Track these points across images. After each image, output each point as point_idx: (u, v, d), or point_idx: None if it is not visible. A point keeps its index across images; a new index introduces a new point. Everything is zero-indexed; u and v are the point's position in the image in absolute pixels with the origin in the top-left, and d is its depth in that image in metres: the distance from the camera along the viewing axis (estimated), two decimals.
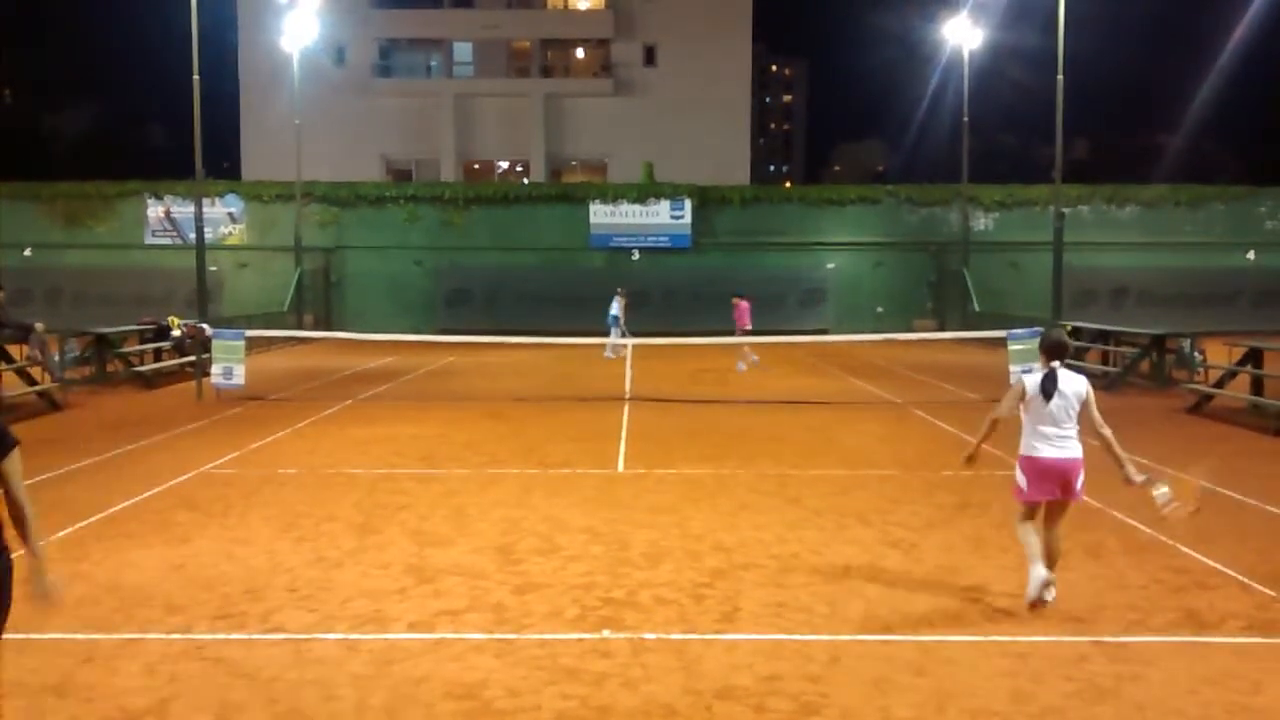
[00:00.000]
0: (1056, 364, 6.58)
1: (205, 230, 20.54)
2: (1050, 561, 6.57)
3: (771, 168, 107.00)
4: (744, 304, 21.93)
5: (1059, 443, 6.52)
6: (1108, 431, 6.46)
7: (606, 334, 24.01)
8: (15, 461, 3.68)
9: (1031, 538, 6.62)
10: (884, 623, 6.35)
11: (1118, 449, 6.49)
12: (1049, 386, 6.49)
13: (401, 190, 36.01)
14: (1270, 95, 64.04)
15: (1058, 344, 6.67)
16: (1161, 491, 6.56)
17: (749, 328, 21.78)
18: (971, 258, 32.96)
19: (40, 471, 10.87)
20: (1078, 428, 6.57)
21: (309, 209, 33.61)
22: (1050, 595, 6.52)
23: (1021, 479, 6.66)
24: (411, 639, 6.06)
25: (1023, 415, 6.65)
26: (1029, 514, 6.70)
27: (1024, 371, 7.26)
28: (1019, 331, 17.20)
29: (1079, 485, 6.61)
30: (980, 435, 6.96)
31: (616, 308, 24.98)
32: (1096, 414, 6.51)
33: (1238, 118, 65.70)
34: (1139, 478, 6.54)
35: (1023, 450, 6.66)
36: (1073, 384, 6.55)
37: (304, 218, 32.75)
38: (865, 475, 10.98)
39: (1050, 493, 6.58)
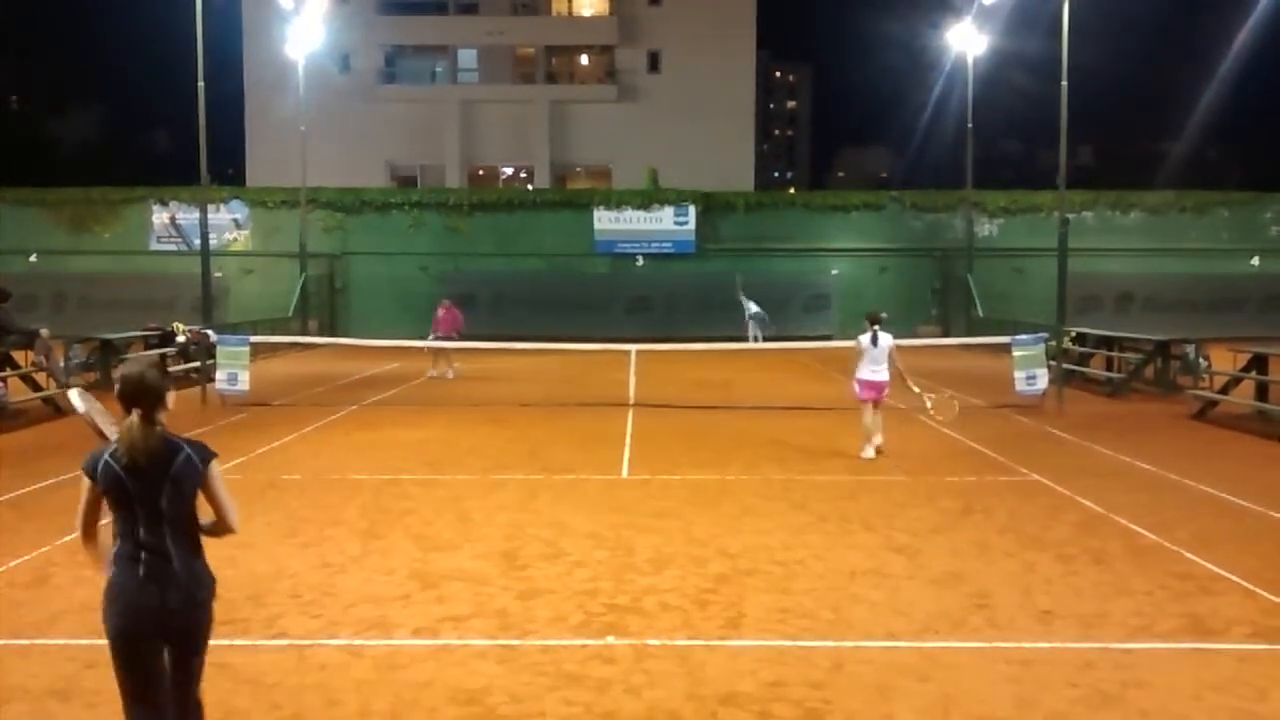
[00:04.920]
0: (876, 327, 12.11)
1: (210, 236, 20.54)
2: (875, 433, 12.30)
3: (776, 174, 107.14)
4: (447, 310, 21.44)
5: (877, 370, 12.17)
6: (900, 365, 12.21)
7: (615, 339, 23.99)
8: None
9: (868, 420, 12.29)
10: (888, 628, 6.34)
11: (904, 373, 12.19)
12: (875, 340, 12.13)
13: (406, 196, 36.04)
14: (1275, 100, 63.99)
15: (876, 317, 12.26)
16: (930, 398, 12.61)
17: (441, 334, 21.14)
18: (976, 263, 32.92)
19: (45, 476, 10.90)
20: (888, 364, 12.14)
21: (314, 215, 33.62)
22: (871, 454, 12.19)
23: (856, 388, 12.29)
24: (415, 644, 6.06)
25: (860, 357, 12.21)
26: (865, 408, 12.29)
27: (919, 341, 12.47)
28: (1023, 337, 17.16)
29: (885, 393, 12.36)
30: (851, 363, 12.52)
31: (755, 305, 28.36)
32: (896, 356, 12.19)
33: (1243, 123, 65.77)
34: (916, 389, 12.33)
35: (858, 375, 12.24)
36: (884, 339, 12.13)
37: (309, 224, 32.77)
38: (869, 480, 10.97)
39: (872, 396, 12.24)
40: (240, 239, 34.96)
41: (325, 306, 33.52)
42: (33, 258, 34.25)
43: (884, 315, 12.36)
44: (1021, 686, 5.43)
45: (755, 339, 27.65)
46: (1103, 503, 9.79)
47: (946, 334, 32.06)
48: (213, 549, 8.07)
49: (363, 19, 46.22)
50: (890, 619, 6.51)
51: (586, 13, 49.74)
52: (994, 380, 18.97)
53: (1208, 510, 9.63)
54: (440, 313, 21.52)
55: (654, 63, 47.90)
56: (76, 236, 34.97)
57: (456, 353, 21.78)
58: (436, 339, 21.23)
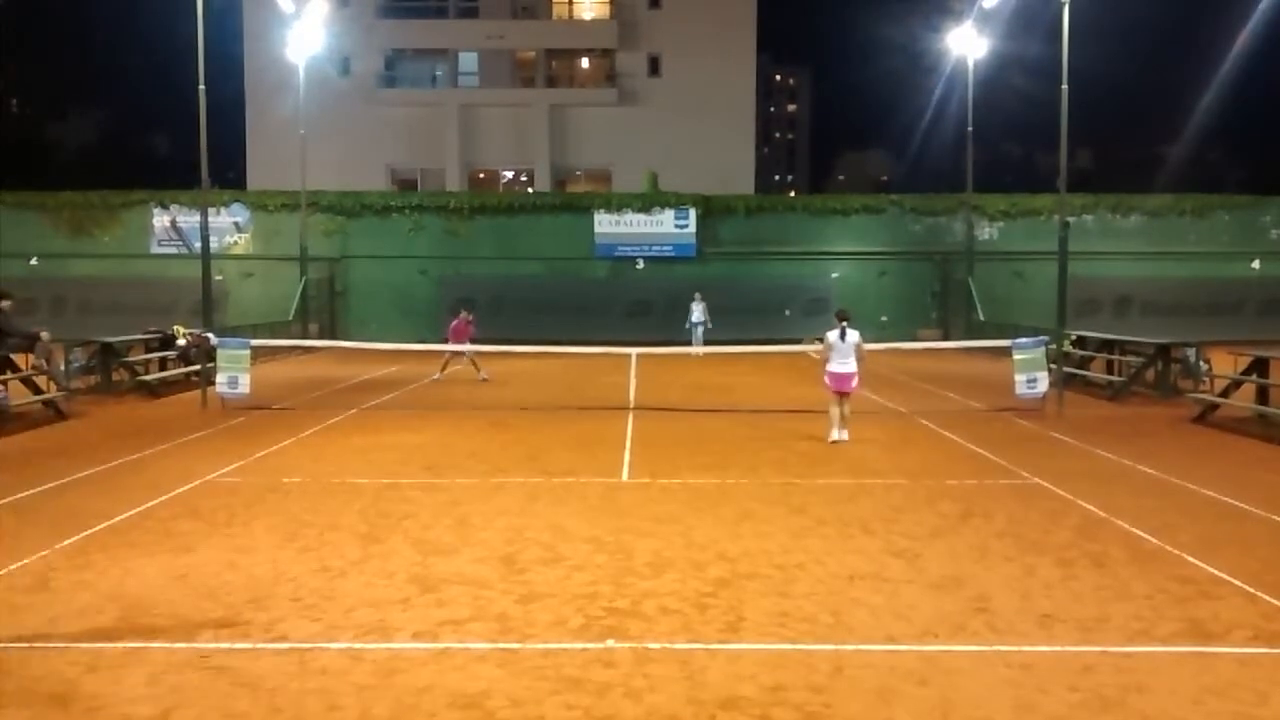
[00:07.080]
0: (844, 324, 13.43)
1: (210, 239, 20.54)
2: (843, 424, 13.55)
3: (776, 177, 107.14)
4: (468, 321, 21.59)
5: (845, 363, 13.43)
6: (863, 353, 13.67)
7: (615, 343, 24.04)
8: None
9: (834, 411, 13.53)
10: (888, 632, 6.34)
11: (861, 364, 13.65)
12: (842, 336, 13.42)
13: (406, 200, 36.03)
14: (1275, 103, 64.03)
15: (844, 314, 13.68)
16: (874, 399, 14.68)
17: (457, 341, 21.43)
18: (976, 267, 32.91)
19: (45, 480, 10.90)
20: (854, 357, 13.43)
21: (314, 218, 33.64)
22: (838, 437, 13.47)
23: (828, 380, 13.56)
24: (415, 649, 6.06)
25: (829, 351, 13.51)
26: (833, 398, 13.53)
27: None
28: (1023, 341, 17.15)
29: (854, 385, 13.57)
30: (821, 357, 13.92)
31: (701, 313, 29.53)
32: (862, 350, 13.62)
33: (1243, 126, 65.75)
34: (865, 392, 14.18)
35: (828, 368, 13.54)
36: (852, 335, 13.46)
37: (309, 227, 32.78)
38: (869, 484, 10.97)
39: (841, 388, 13.46)
40: (241, 242, 34.96)
41: (325, 310, 33.51)
42: (33, 261, 34.27)
43: (850, 314, 13.88)
44: (1021, 690, 5.43)
45: (696, 343, 28.90)
46: (1103, 506, 9.78)
47: (947, 337, 32.07)
48: (213, 553, 8.11)
49: (363, 22, 46.24)
50: (890, 623, 6.51)
51: (587, 16, 49.76)
52: (994, 383, 18.97)
53: (1209, 514, 9.63)
54: (462, 323, 21.63)
55: (654, 66, 47.91)
56: (77, 240, 34.96)
57: (453, 357, 21.81)
58: (458, 344, 21.36)
